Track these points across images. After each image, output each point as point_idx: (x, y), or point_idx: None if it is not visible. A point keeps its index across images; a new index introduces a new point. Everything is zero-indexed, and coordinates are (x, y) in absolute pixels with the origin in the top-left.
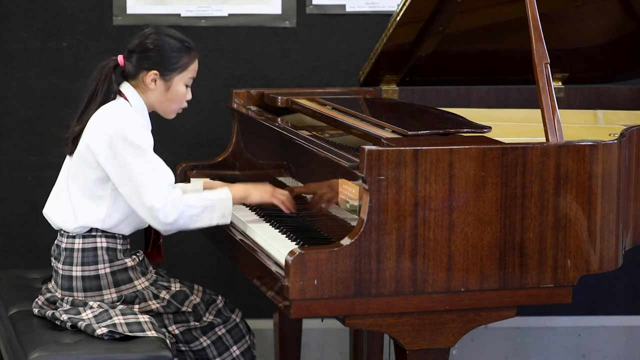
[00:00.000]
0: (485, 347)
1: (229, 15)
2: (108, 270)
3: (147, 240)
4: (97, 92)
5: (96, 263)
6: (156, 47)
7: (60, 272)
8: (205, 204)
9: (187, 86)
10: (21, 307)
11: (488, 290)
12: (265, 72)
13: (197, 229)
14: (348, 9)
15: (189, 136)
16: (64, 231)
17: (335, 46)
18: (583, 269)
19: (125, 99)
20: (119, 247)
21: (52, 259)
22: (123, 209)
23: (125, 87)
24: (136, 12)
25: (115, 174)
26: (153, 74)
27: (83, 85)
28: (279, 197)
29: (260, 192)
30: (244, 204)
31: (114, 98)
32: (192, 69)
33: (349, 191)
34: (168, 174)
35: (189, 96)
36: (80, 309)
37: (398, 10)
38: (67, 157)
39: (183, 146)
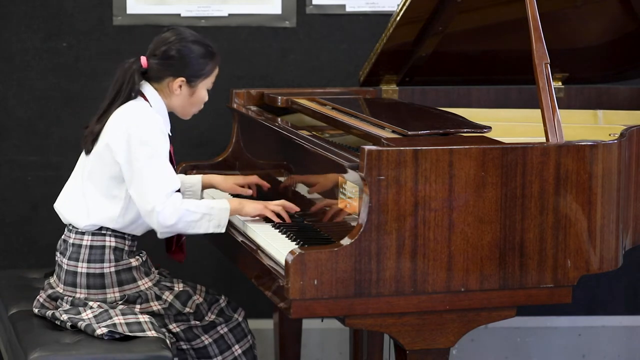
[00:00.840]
0: (485, 347)
1: (229, 15)
2: (113, 269)
3: (169, 238)
4: (121, 93)
5: (102, 261)
6: (182, 55)
7: (65, 267)
8: (205, 211)
9: (207, 90)
10: (21, 307)
11: (488, 290)
12: (265, 72)
13: (192, 234)
14: (348, 9)
15: (189, 136)
16: (73, 227)
17: (335, 46)
18: (583, 269)
19: (146, 99)
20: (126, 248)
21: (58, 253)
22: (136, 210)
23: (147, 88)
24: (136, 12)
25: (126, 171)
26: (180, 80)
27: (84, 84)
28: (272, 209)
29: (254, 204)
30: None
31: (135, 97)
32: (215, 73)
33: (349, 191)
34: (175, 181)
35: (207, 98)
36: (80, 309)
37: (398, 10)
38: (83, 155)
39: (183, 146)
